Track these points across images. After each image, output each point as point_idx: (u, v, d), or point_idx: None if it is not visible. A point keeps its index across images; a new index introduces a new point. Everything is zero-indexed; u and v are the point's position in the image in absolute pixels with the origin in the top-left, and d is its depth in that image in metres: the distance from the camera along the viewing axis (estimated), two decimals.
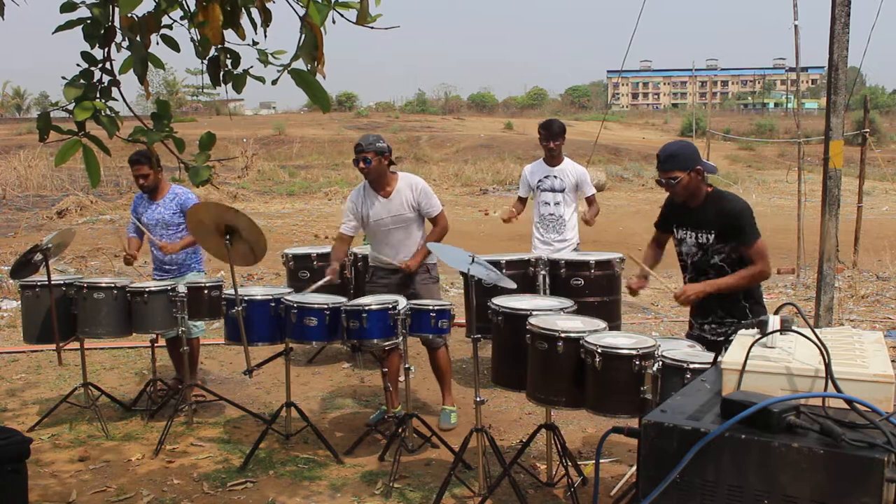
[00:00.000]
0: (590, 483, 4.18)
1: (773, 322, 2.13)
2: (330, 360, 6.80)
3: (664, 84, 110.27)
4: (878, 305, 8.72)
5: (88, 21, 2.52)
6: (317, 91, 2.51)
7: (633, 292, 4.17)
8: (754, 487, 1.73)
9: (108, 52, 2.56)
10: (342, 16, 2.49)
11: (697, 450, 1.76)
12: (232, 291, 4.62)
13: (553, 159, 6.13)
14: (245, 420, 5.30)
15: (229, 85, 2.68)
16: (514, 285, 4.26)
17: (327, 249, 6.24)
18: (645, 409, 3.29)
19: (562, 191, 6.10)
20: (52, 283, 4.99)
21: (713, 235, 3.85)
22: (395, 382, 5.14)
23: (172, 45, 2.66)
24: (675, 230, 4.08)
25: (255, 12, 2.56)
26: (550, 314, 3.90)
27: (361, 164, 4.90)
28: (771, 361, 2.00)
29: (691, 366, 3.21)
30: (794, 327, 2.14)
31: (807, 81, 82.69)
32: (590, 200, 6.28)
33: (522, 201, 6.33)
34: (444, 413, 5.15)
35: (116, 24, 2.52)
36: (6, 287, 9.37)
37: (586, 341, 3.49)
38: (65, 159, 2.47)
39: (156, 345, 5.57)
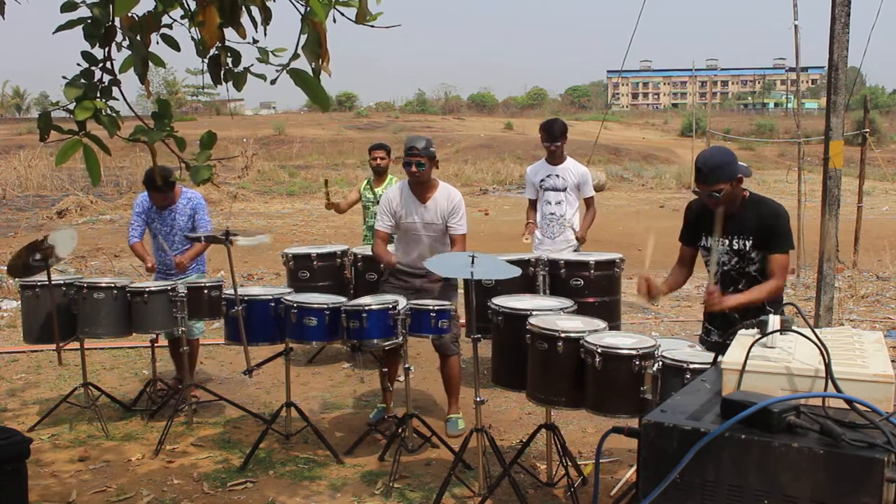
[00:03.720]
0: (590, 483, 4.18)
1: (773, 322, 2.14)
2: (330, 360, 6.80)
3: (664, 84, 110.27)
4: (878, 305, 8.72)
5: (89, 21, 2.52)
6: (316, 90, 2.50)
7: (650, 297, 3.84)
8: (754, 487, 1.73)
9: (109, 51, 2.56)
10: (343, 14, 2.49)
11: (697, 450, 1.76)
12: (232, 291, 4.63)
13: (555, 159, 6.11)
14: (245, 420, 5.30)
15: (230, 84, 2.68)
16: (518, 271, 4.16)
17: (327, 249, 6.23)
18: (645, 409, 3.29)
19: (563, 190, 6.07)
20: (52, 283, 4.99)
21: (750, 241, 3.70)
22: (394, 382, 5.13)
23: (172, 44, 2.66)
24: (704, 238, 3.85)
25: (255, 10, 2.56)
26: (550, 314, 3.90)
27: (414, 168, 4.77)
28: (771, 361, 2.00)
29: (691, 366, 3.22)
30: (794, 327, 2.14)
31: (807, 81, 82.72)
32: (588, 202, 6.24)
33: (533, 204, 6.22)
34: (450, 421, 5.09)
35: (117, 23, 2.52)
36: (6, 287, 9.37)
37: (586, 341, 3.49)
38: (65, 159, 2.47)
39: (156, 345, 5.57)
